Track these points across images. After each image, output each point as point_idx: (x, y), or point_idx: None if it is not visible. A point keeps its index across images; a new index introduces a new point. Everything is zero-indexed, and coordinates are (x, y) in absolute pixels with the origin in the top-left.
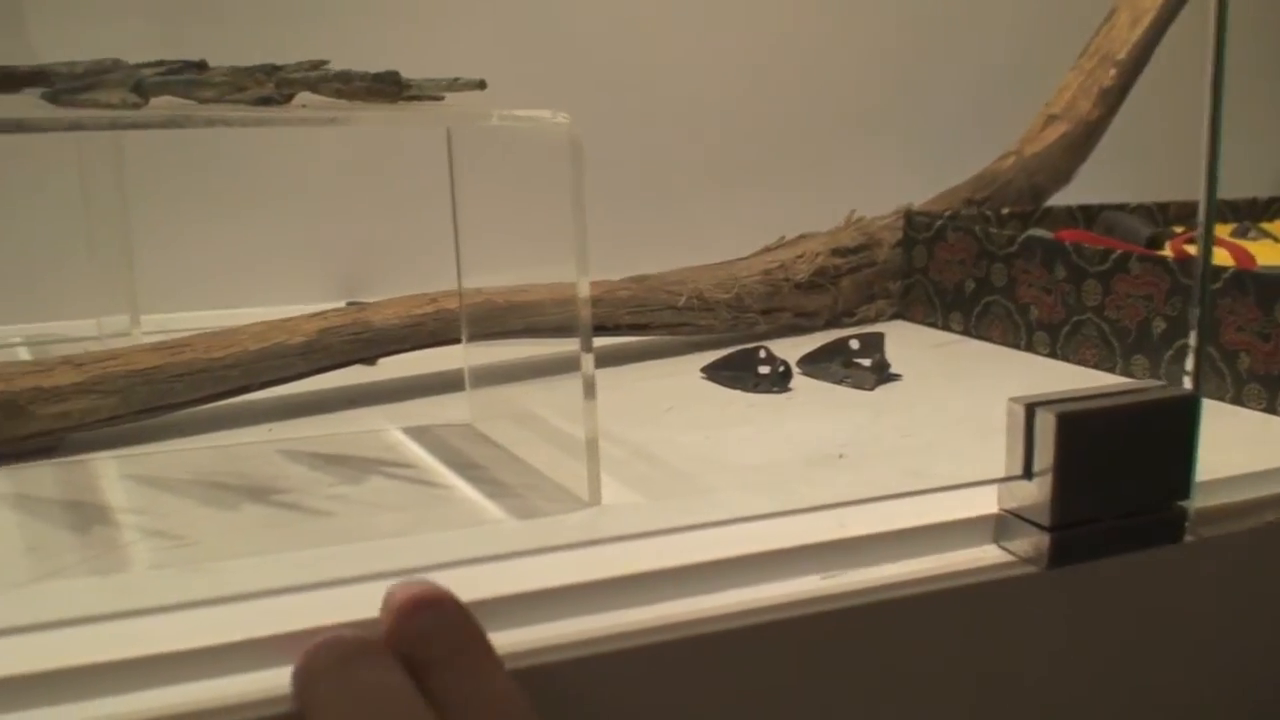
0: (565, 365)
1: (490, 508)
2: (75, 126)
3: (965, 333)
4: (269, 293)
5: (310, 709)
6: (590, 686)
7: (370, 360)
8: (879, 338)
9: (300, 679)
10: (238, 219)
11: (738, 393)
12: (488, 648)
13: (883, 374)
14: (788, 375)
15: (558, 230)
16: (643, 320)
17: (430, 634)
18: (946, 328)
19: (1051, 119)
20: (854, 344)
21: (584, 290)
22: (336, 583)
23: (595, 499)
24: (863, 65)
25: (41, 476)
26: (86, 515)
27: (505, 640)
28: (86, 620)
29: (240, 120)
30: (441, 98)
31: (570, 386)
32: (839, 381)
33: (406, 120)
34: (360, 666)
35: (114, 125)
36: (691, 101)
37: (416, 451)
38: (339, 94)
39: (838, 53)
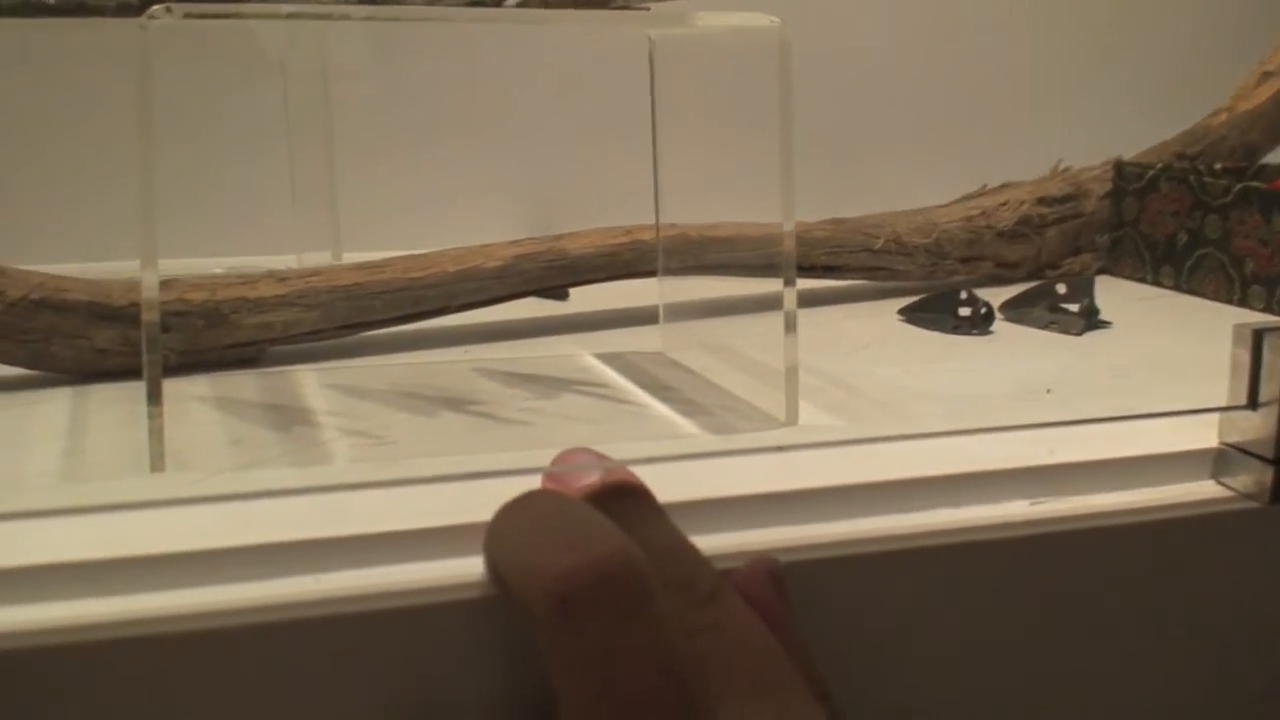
0: (760, 301)
1: (685, 424)
2: (288, 15)
3: (1175, 288)
4: (466, 231)
5: (492, 543)
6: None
7: (562, 294)
8: (1088, 282)
9: (487, 530)
10: (435, 157)
11: (937, 334)
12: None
13: (1091, 319)
14: (990, 317)
15: (760, 154)
16: (839, 262)
17: (609, 512)
18: (1156, 282)
19: (1267, 75)
20: (1060, 288)
21: (789, 215)
22: (536, 470)
23: (793, 419)
24: (1074, 16)
25: (244, 383)
26: (287, 417)
27: (702, 546)
28: (287, 493)
29: (451, 17)
30: (647, 7)
31: (765, 322)
32: (1044, 326)
33: (609, 21)
34: (540, 496)
35: (327, 16)
36: (898, 42)
37: (609, 374)
38: (546, 3)
39: (1052, 4)
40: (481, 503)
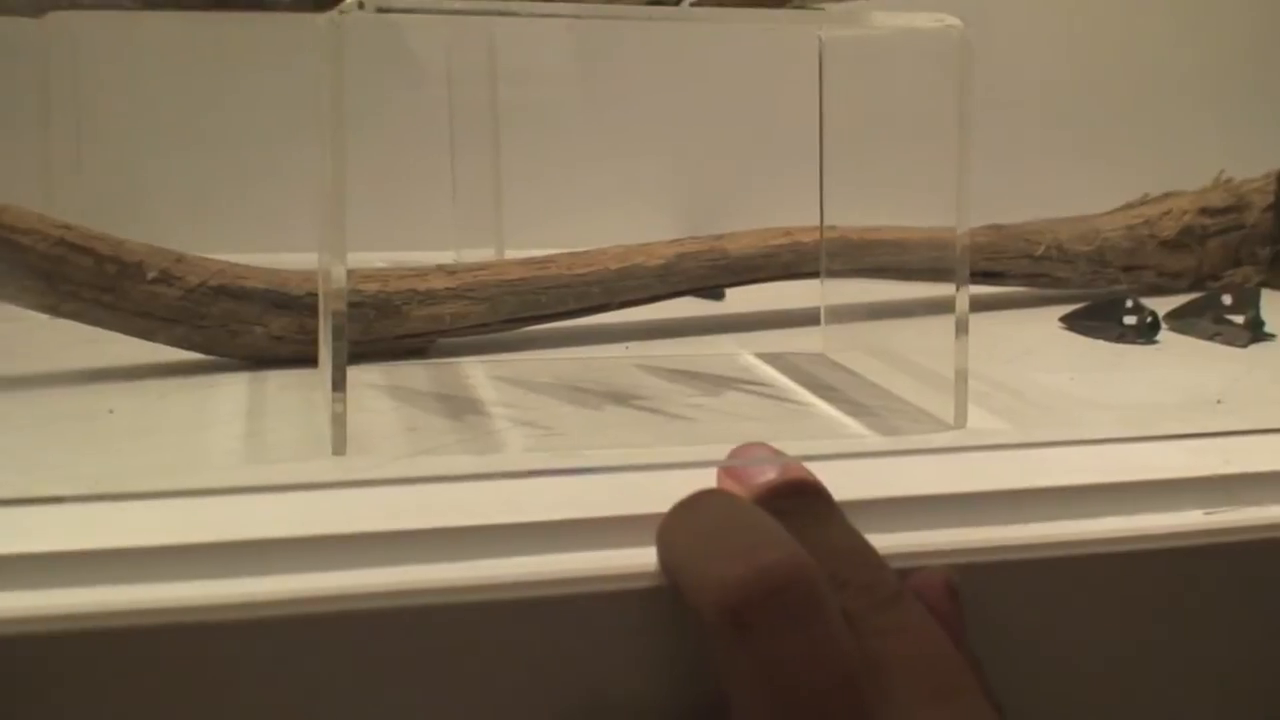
0: (923, 305)
1: (850, 424)
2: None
3: None
4: (627, 229)
5: (663, 545)
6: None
7: (718, 294)
8: (1254, 294)
9: (659, 529)
10: (597, 155)
11: (1100, 342)
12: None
13: (1256, 332)
14: (1155, 326)
15: (925, 157)
16: (999, 268)
17: (787, 509)
18: None
19: None
20: (1226, 299)
21: (964, 219)
22: (711, 464)
23: (961, 422)
24: (1237, 28)
25: (414, 373)
26: (459, 406)
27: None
28: (466, 478)
29: (626, 15)
30: (822, 7)
31: (929, 325)
32: (1209, 338)
33: (783, 21)
34: (711, 498)
35: (498, 12)
36: (1059, 46)
37: (771, 373)
38: (721, 1)
39: (1216, 11)
40: (655, 494)
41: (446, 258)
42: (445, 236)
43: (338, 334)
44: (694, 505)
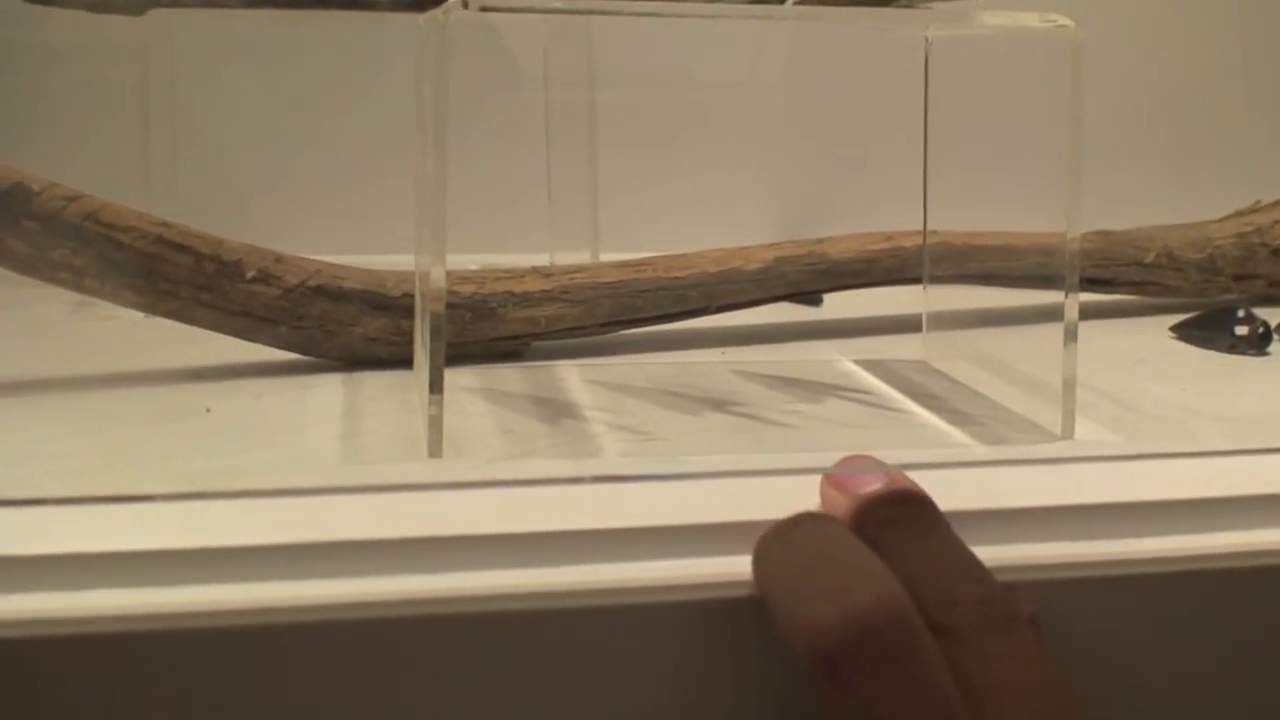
0: (1029, 313)
1: (954, 432)
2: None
3: None
4: (724, 232)
5: (758, 572)
6: (1074, 610)
7: (816, 300)
8: None
9: (754, 552)
10: (694, 157)
11: (1212, 353)
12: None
13: None
14: (1268, 337)
15: (1031, 160)
16: (1107, 275)
17: (893, 519)
18: None
19: None
20: None
21: (1075, 223)
22: (813, 471)
23: (1069, 433)
24: None
25: (510, 376)
26: (555, 410)
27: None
28: (563, 482)
29: (730, 14)
30: (930, 6)
31: (1034, 333)
32: None
33: (889, 20)
34: (804, 525)
35: (600, 11)
36: (1169, 48)
37: (871, 380)
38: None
39: None
40: (756, 500)
41: (542, 260)
42: (541, 239)
43: (435, 335)
44: (789, 531)
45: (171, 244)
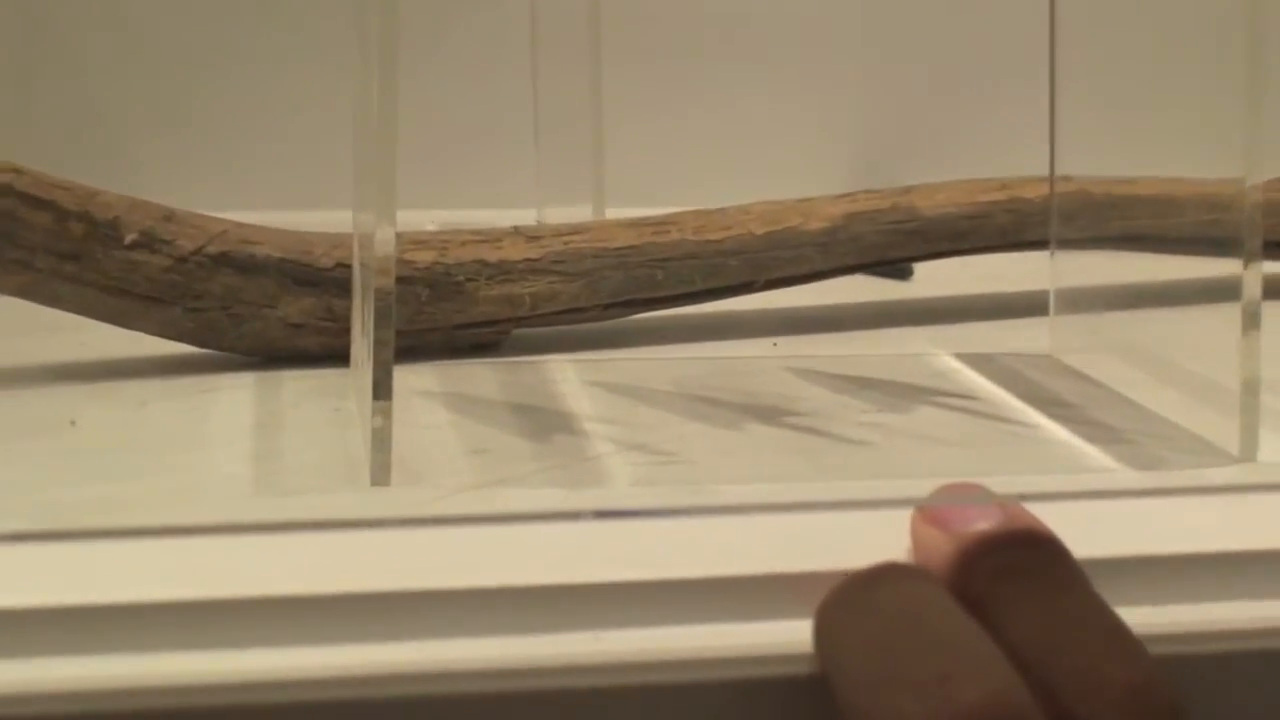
0: (1195, 288)
1: (1092, 453)
2: None
3: None
4: (778, 180)
5: (822, 645)
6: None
7: (904, 270)
8: None
9: (817, 619)
10: (735, 81)
11: None
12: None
13: None
14: None
15: (1194, 87)
16: None
17: (1010, 570)
18: None
19: None
20: None
21: (1255, 166)
22: (899, 504)
23: (1249, 453)
24: None
25: (483, 375)
26: (543, 422)
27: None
28: (551, 518)
29: None
30: None
31: (1202, 316)
32: None
33: None
34: (885, 583)
35: None
36: None
37: (978, 381)
38: None
39: None
40: (819, 546)
41: (527, 218)
42: (526, 189)
43: (382, 321)
44: (865, 590)
45: (25, 197)
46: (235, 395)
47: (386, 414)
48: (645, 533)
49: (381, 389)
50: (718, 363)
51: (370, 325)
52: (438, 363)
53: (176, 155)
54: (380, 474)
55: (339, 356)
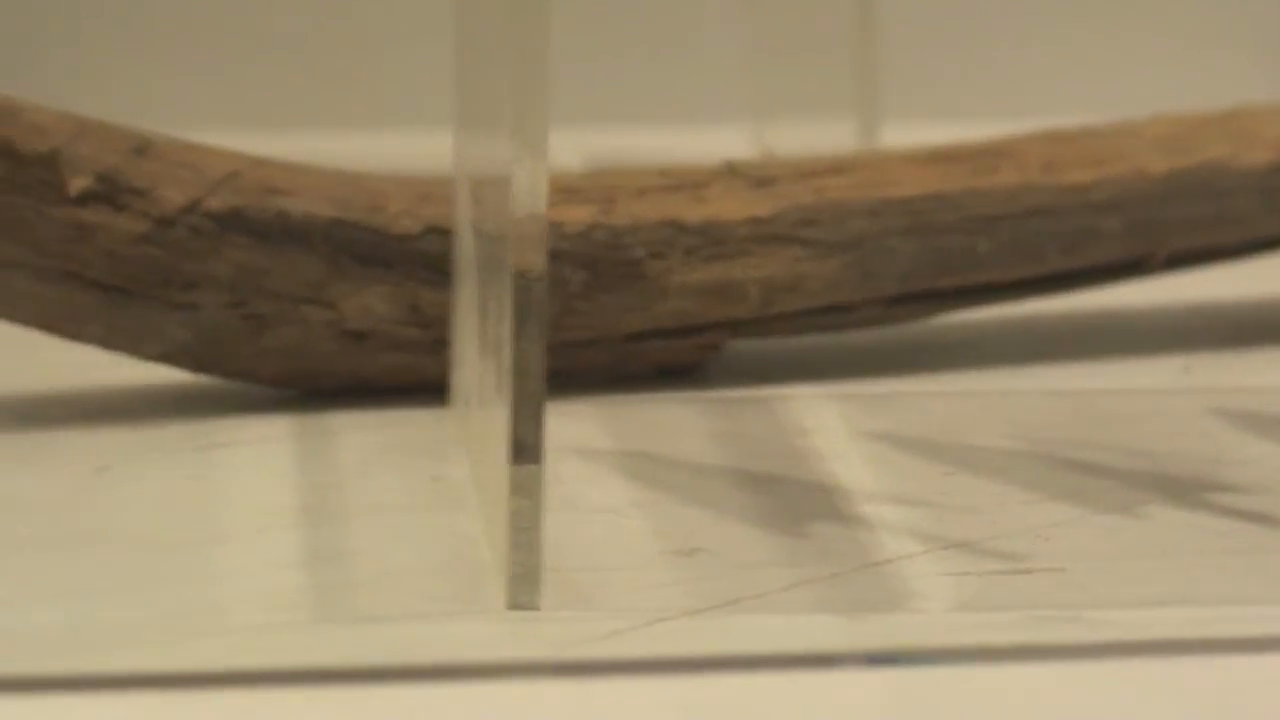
0: None
1: None
2: None
3: None
4: (1178, 87)
5: None
6: None
7: None
8: None
9: None
10: None
11: None
12: None
13: None
14: None
15: None
16: None
17: None
18: None
19: None
20: None
21: None
22: None
23: None
24: None
25: (681, 419)
26: (792, 499)
27: None
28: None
29: None
30: None
31: None
32: None
33: None
34: None
35: None
36: None
37: None
38: None
39: None
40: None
41: (742, 146)
42: (735, 96)
43: (527, 326)
44: None
45: None
46: (261, 453)
47: (534, 488)
48: (984, 688)
49: (525, 445)
50: (1087, 399)
51: (500, 334)
52: (602, 398)
53: (153, 53)
54: (524, 590)
55: (430, 387)
